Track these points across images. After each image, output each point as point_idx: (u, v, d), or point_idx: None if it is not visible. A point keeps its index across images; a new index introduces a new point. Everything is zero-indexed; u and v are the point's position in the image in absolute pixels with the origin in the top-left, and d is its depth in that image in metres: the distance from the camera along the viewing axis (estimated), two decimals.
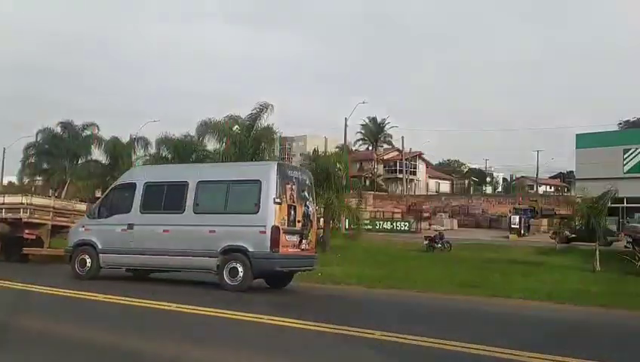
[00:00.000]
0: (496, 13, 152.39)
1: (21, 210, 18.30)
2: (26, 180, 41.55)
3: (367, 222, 38.55)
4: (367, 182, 68.00)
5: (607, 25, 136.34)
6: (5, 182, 58.86)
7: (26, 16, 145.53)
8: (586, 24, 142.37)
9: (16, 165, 49.11)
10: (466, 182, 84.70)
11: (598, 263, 18.96)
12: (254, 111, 29.34)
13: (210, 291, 12.21)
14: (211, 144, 31.57)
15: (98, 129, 39.29)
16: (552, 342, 7.88)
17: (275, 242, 11.55)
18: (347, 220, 27.37)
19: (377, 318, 9.60)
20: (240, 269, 11.68)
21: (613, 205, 32.11)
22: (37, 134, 39.91)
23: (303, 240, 12.58)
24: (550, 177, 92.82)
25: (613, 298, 12.24)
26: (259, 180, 12.06)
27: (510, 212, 40.33)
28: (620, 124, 62.13)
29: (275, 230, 11.57)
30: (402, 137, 67.56)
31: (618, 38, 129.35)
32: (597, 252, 19.22)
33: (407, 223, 39.25)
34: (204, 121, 30.73)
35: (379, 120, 70.80)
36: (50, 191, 44.74)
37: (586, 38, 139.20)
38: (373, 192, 58.37)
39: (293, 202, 12.32)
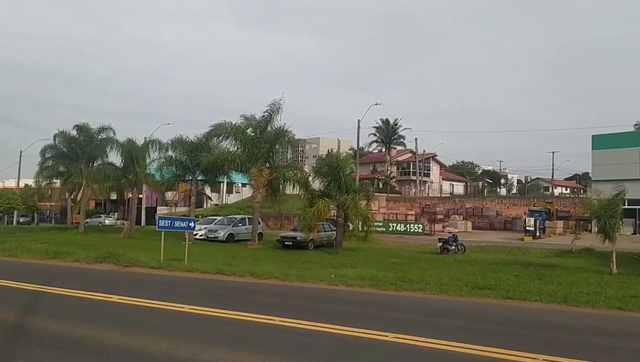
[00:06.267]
0: (511, 12, 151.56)
1: None
2: (43, 183, 41.89)
3: (381, 223, 38.39)
4: (381, 184, 67.85)
5: (623, 25, 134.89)
6: (22, 184, 59.67)
7: (37, 20, 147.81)
8: (601, 24, 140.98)
9: (30, 168, 49.61)
10: (480, 183, 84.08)
11: (615, 266, 18.71)
12: (266, 114, 29.38)
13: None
14: (224, 145, 31.68)
15: (113, 132, 39.60)
16: (567, 345, 7.80)
17: None
18: (360, 222, 27.33)
19: (389, 321, 9.57)
20: None
21: (630, 207, 31.67)
22: (54, 137, 40.29)
23: None
24: (566, 179, 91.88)
25: (631, 301, 12.05)
26: None
27: (525, 214, 39.93)
28: (637, 125, 61.45)
29: None
30: (415, 139, 67.46)
31: (636, 38, 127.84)
32: (614, 254, 18.97)
33: (420, 225, 38.95)
34: (217, 123, 30.89)
35: (391, 121, 70.65)
36: (67, 193, 45.26)
37: (602, 38, 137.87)
38: (386, 194, 58.21)
39: None
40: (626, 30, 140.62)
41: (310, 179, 29.30)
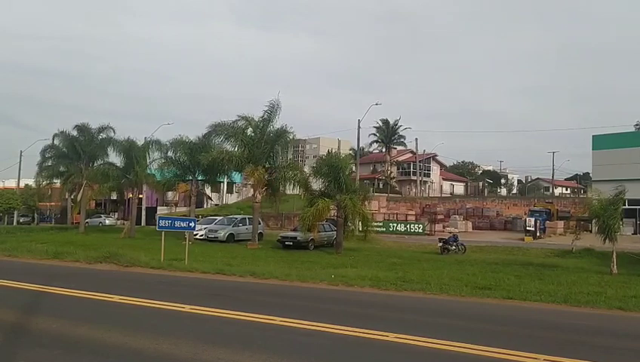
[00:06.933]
0: (511, 12, 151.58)
1: None
2: (43, 183, 41.85)
3: (381, 223, 38.38)
4: (381, 184, 67.80)
5: (624, 25, 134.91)
6: (22, 184, 59.63)
7: (37, 20, 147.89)
8: (601, 24, 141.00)
9: (30, 168, 49.55)
10: (481, 183, 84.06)
11: (615, 266, 18.70)
12: (265, 115, 29.34)
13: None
14: (225, 145, 31.65)
15: (114, 132, 39.57)
16: (568, 345, 7.79)
17: None
18: (360, 222, 27.32)
19: (390, 321, 9.56)
20: None
21: (630, 207, 31.66)
22: (54, 137, 40.28)
23: None
24: (566, 179, 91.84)
25: (632, 301, 12.04)
26: None
27: (525, 214, 39.91)
28: (637, 125, 61.43)
29: None
30: (416, 139, 67.41)
31: (636, 38, 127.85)
32: (614, 254, 18.95)
33: (420, 225, 38.92)
34: (216, 123, 30.87)
35: (392, 122, 70.62)
36: (67, 193, 45.23)
37: (602, 38, 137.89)
38: (386, 194, 58.18)
39: None
40: (626, 30, 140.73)
41: (310, 179, 29.27)
